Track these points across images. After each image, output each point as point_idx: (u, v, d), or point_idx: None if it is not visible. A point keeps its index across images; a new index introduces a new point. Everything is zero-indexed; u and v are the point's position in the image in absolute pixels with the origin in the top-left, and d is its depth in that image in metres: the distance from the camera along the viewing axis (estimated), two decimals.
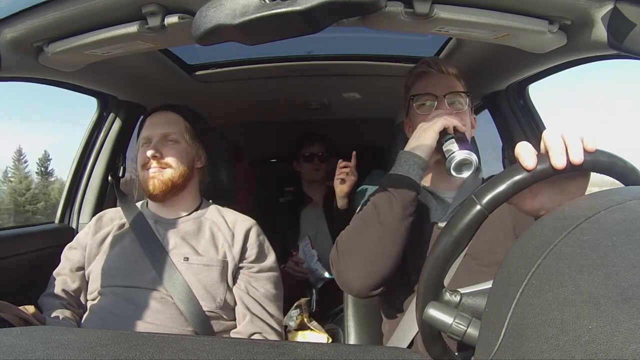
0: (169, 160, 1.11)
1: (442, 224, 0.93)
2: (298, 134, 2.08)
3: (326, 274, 1.71)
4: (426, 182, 1.01)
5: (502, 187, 0.50)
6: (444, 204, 0.97)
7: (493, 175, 0.77)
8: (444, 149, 0.88)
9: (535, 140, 0.53)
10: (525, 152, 0.50)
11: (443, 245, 0.52)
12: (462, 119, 0.94)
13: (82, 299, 1.12)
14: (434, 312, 0.51)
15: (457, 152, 0.86)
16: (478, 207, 0.50)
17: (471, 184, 0.99)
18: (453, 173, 0.86)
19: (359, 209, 0.97)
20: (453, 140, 0.88)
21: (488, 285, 0.51)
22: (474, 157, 0.86)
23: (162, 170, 1.10)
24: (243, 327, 1.07)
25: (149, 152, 1.09)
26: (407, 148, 0.90)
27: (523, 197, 0.57)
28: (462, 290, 0.54)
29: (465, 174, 0.87)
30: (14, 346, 0.49)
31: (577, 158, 0.48)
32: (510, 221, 0.90)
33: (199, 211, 1.18)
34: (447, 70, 1.00)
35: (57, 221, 1.53)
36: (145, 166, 1.11)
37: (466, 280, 0.57)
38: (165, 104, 1.20)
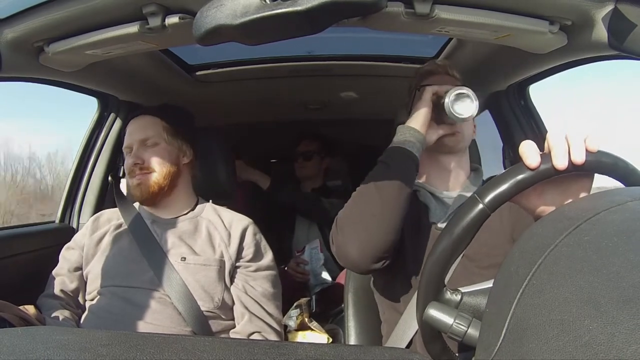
0: (152, 164, 1.12)
1: (441, 225, 0.93)
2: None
3: (328, 279, 1.71)
4: (426, 182, 1.01)
5: (504, 186, 0.50)
6: (443, 205, 0.97)
7: (494, 175, 0.77)
8: (441, 102, 0.85)
9: (537, 141, 0.53)
10: (528, 151, 0.50)
11: (444, 244, 0.51)
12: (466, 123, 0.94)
13: (80, 299, 1.12)
14: (435, 313, 0.51)
15: (450, 91, 0.83)
16: (480, 205, 0.50)
17: (471, 185, 0.99)
18: (454, 111, 0.83)
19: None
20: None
21: (489, 284, 0.50)
22: (468, 90, 0.83)
23: (147, 176, 1.11)
24: (242, 326, 1.08)
25: (131, 160, 1.11)
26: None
27: (527, 196, 0.57)
28: (463, 289, 0.54)
29: (469, 112, 0.83)
30: (15, 346, 0.49)
31: (579, 158, 0.48)
32: (510, 224, 0.90)
33: (195, 210, 1.18)
34: (453, 74, 1.02)
35: (57, 221, 1.53)
36: (131, 174, 1.13)
37: (464, 282, 0.56)
38: (141, 109, 1.22)
